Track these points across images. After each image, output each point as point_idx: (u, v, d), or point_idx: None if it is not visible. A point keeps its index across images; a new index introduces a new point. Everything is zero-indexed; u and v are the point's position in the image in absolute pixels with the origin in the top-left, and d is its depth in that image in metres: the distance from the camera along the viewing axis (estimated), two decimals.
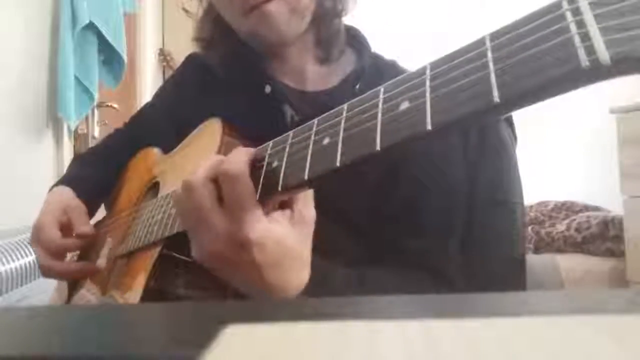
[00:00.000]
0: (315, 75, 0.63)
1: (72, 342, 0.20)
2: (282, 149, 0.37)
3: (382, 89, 0.32)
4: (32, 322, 0.24)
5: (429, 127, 0.26)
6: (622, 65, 0.21)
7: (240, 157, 0.38)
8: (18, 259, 1.19)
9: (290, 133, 0.37)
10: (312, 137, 0.34)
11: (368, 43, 0.66)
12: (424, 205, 0.53)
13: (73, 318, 0.25)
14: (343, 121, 0.32)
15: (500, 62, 0.25)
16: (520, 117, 0.67)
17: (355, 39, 0.66)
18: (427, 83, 0.28)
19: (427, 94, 0.27)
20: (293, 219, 0.39)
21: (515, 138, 0.60)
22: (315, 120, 0.35)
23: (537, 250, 2.07)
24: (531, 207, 2.20)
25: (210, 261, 0.40)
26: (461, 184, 0.53)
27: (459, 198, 0.53)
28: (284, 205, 0.40)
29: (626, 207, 1.84)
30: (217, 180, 0.38)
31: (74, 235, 0.65)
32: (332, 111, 0.34)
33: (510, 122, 0.60)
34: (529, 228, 2.10)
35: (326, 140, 0.33)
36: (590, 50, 0.21)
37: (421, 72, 0.29)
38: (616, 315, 0.14)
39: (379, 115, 0.30)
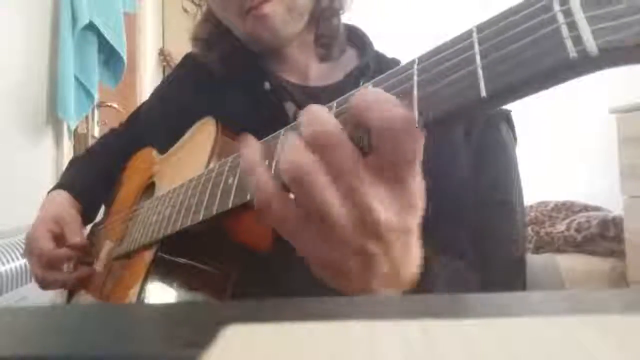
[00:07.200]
0: (317, 72, 0.63)
1: (72, 342, 0.20)
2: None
3: (370, 85, 0.31)
4: (32, 322, 0.24)
5: (416, 124, 0.26)
6: (610, 56, 0.20)
7: (323, 114, 0.29)
8: (18, 259, 1.19)
9: (282, 131, 0.36)
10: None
11: (370, 41, 0.66)
12: (430, 203, 0.53)
13: (72, 318, 0.25)
14: None
15: (487, 55, 0.24)
16: (521, 117, 0.67)
17: (357, 38, 0.66)
18: (415, 78, 0.27)
19: (415, 90, 0.27)
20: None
21: (516, 138, 0.60)
22: None
23: (537, 250, 2.07)
24: (531, 207, 2.20)
25: (332, 264, 0.31)
26: (464, 182, 0.53)
27: (463, 195, 0.53)
28: None
29: (626, 207, 1.84)
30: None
31: (66, 246, 0.64)
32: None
33: (510, 123, 0.60)
34: (529, 228, 2.10)
35: None
36: (578, 41, 0.21)
37: (408, 67, 0.29)
38: (616, 315, 0.14)
39: None
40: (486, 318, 0.14)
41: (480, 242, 0.53)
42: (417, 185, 0.29)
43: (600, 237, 1.95)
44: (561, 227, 2.06)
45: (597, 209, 2.15)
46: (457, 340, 0.12)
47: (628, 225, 1.83)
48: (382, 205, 0.28)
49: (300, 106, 0.57)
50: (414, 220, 0.30)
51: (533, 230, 2.11)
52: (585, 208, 2.17)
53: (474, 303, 0.23)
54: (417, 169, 0.28)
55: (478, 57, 0.24)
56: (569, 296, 0.22)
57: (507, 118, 0.60)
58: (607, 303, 0.22)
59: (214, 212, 0.38)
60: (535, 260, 1.89)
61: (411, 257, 0.31)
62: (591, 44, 0.20)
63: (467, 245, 0.52)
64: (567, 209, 2.17)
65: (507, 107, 0.71)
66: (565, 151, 2.46)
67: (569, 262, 1.88)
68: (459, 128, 0.58)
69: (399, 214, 0.29)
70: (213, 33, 0.65)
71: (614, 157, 1.87)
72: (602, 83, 2.28)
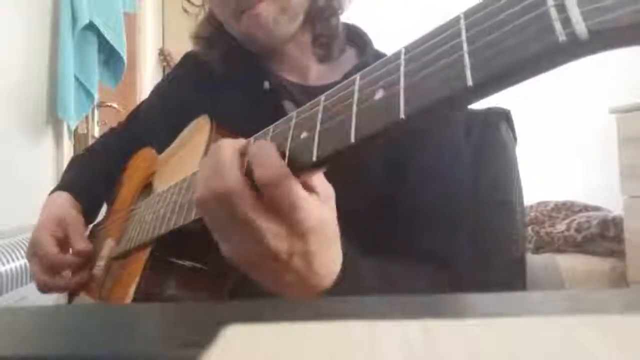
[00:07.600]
0: (317, 72, 0.63)
1: (72, 342, 0.20)
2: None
3: (357, 77, 0.30)
4: (31, 322, 0.24)
5: (403, 116, 0.25)
6: (601, 38, 0.19)
7: (261, 142, 0.34)
8: (18, 259, 1.19)
9: (271, 127, 0.36)
10: (291, 131, 0.33)
11: (370, 40, 0.66)
12: (429, 202, 0.53)
13: (72, 318, 0.25)
14: (320, 113, 0.31)
15: (474, 41, 0.23)
16: (521, 117, 0.67)
17: (356, 37, 0.66)
18: (402, 68, 0.26)
19: (401, 81, 0.26)
20: (320, 198, 0.34)
21: (516, 138, 0.61)
22: (294, 113, 0.34)
23: (537, 250, 2.07)
24: (531, 207, 2.20)
25: (255, 266, 0.35)
26: (464, 182, 0.53)
27: (463, 195, 0.53)
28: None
29: (626, 207, 1.84)
30: (249, 172, 0.33)
31: (71, 251, 0.64)
32: (310, 102, 0.33)
33: (510, 122, 0.60)
34: (529, 228, 2.10)
35: (304, 134, 0.31)
36: (567, 23, 0.19)
37: (396, 57, 0.28)
38: (616, 315, 0.14)
39: (354, 106, 0.28)
40: (486, 318, 0.14)
41: (481, 242, 0.53)
42: (304, 216, 0.33)
43: (600, 237, 1.95)
44: (561, 227, 2.06)
45: (597, 209, 2.15)
46: (458, 340, 0.12)
47: (628, 225, 1.83)
48: (271, 235, 0.33)
49: (299, 105, 0.57)
50: (303, 245, 0.34)
51: (533, 230, 2.10)
52: (585, 208, 2.17)
53: (474, 303, 0.23)
54: (301, 207, 0.32)
55: (465, 45, 0.23)
56: (569, 296, 0.22)
57: (506, 118, 0.60)
58: (607, 303, 0.22)
59: None
60: (535, 260, 1.88)
61: (314, 268, 0.35)
62: (580, 26, 0.19)
63: (465, 245, 0.52)
64: (567, 209, 2.17)
65: (507, 106, 0.71)
66: (565, 151, 2.46)
67: (569, 262, 1.88)
68: (459, 128, 0.58)
69: (289, 239, 0.33)
70: (214, 32, 0.65)
71: (614, 157, 1.87)
72: (602, 83, 2.28)
